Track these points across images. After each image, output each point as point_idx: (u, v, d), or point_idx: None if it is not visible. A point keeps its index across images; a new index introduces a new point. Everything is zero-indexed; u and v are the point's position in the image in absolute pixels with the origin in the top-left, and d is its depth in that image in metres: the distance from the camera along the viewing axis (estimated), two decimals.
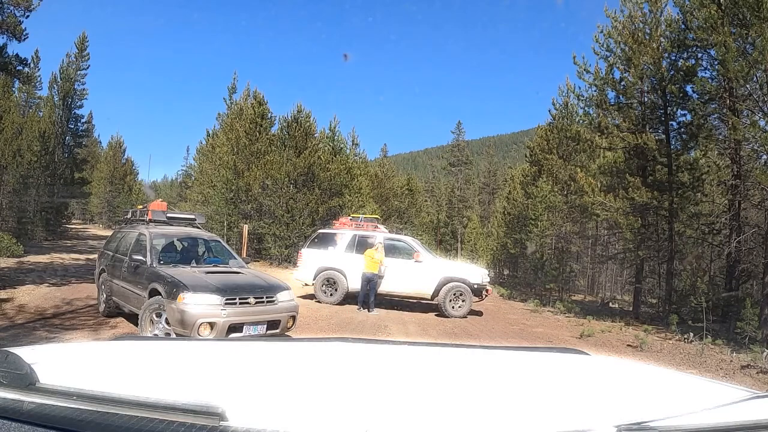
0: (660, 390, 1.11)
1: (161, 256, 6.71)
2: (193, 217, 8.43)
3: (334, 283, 11.06)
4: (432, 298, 10.90)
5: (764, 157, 11.45)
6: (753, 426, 0.76)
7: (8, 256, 14.47)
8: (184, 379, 1.01)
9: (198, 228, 8.14)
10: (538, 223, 19.00)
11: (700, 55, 12.46)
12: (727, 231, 12.55)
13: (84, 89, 31.61)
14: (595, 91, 14.83)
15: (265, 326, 5.94)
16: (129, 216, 8.61)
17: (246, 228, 16.91)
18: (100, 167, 44.69)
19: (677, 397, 1.04)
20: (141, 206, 8.73)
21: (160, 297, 5.83)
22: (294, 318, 6.34)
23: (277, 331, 6.06)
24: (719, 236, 13.33)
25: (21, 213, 22.66)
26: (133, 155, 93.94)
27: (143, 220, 7.79)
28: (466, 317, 10.71)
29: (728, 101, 11.67)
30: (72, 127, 31.45)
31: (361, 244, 11.03)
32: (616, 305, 18.19)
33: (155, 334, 5.70)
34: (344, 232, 11.51)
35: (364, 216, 12.56)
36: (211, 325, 5.54)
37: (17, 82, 20.80)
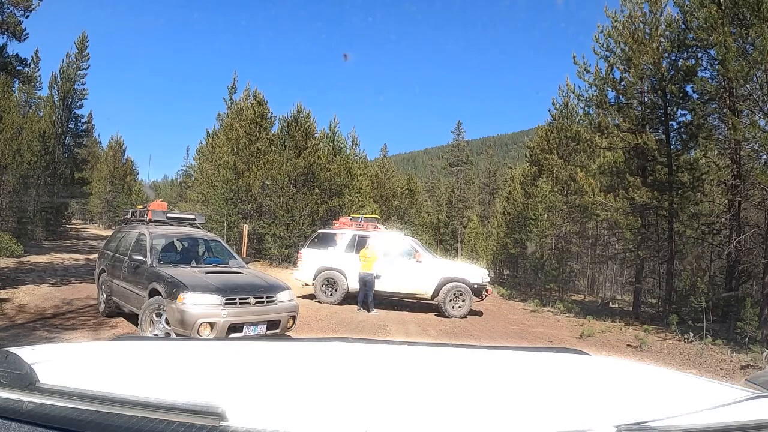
0: (660, 390, 1.11)
1: (161, 256, 6.71)
2: (193, 217, 8.43)
3: (334, 283, 11.06)
4: (432, 298, 10.90)
5: (764, 157, 11.46)
6: (753, 426, 0.76)
7: (8, 256, 14.47)
8: (184, 379, 1.01)
9: (198, 228, 8.13)
10: (538, 223, 19.00)
11: (700, 55, 12.46)
12: (727, 231, 12.55)
13: (84, 89, 31.66)
14: (595, 91, 14.84)
15: (265, 326, 5.94)
16: (129, 216, 8.61)
17: (246, 228, 16.91)
18: (100, 167, 44.68)
19: (677, 397, 1.04)
20: (141, 206, 8.73)
21: (160, 297, 5.83)
22: (294, 318, 6.34)
23: (277, 331, 6.06)
24: (719, 236, 13.33)
25: (21, 213, 22.66)
26: (133, 155, 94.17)
27: (143, 220, 7.79)
28: (466, 317, 10.71)
29: (728, 101, 11.67)
30: (72, 127, 31.46)
31: (361, 245, 11.03)
32: (616, 305, 18.20)
33: (155, 334, 5.70)
34: (344, 232, 11.51)
35: (364, 216, 12.56)
36: (211, 325, 5.54)
37: (17, 82, 20.81)
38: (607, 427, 0.72)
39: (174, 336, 5.50)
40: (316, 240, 11.80)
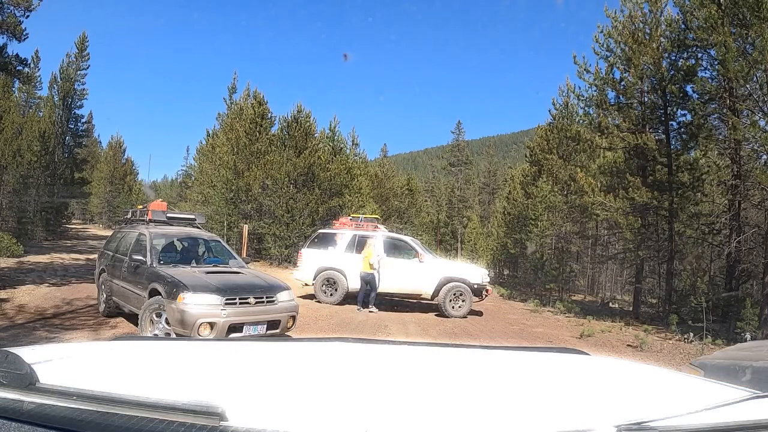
0: (660, 390, 1.11)
1: (161, 256, 6.71)
2: (193, 217, 8.43)
3: (334, 283, 11.06)
4: (432, 298, 10.90)
5: (764, 157, 11.47)
6: (753, 426, 0.76)
7: (8, 256, 14.47)
8: (184, 379, 1.01)
9: (198, 228, 8.14)
10: (538, 223, 19.00)
11: (700, 55, 12.47)
12: (727, 231, 12.56)
13: (84, 89, 31.67)
14: (595, 91, 14.86)
15: (265, 326, 5.94)
16: (129, 216, 8.61)
17: (246, 228, 16.90)
18: (100, 167, 44.67)
19: (677, 397, 1.04)
20: (141, 206, 8.73)
21: (160, 297, 5.83)
22: (294, 318, 6.35)
23: (277, 331, 6.06)
24: (719, 236, 13.33)
25: (21, 213, 22.66)
26: (133, 155, 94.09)
27: (143, 220, 7.79)
28: (466, 317, 10.71)
29: (728, 101, 11.67)
30: (72, 127, 31.46)
31: (361, 244, 11.04)
32: (616, 305, 18.21)
33: (155, 334, 5.70)
34: (344, 232, 11.51)
35: (364, 216, 12.56)
36: (211, 325, 5.54)
37: (17, 82, 20.81)
38: (607, 427, 0.72)
39: (174, 336, 5.50)
40: (316, 240, 11.80)
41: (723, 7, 10.96)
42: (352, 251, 11.06)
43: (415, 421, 0.80)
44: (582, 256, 22.90)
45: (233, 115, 23.43)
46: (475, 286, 10.87)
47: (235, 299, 5.78)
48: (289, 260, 18.72)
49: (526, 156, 26.90)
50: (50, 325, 6.86)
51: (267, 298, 6.05)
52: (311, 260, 11.28)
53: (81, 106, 31.92)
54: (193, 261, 7.01)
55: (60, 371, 0.93)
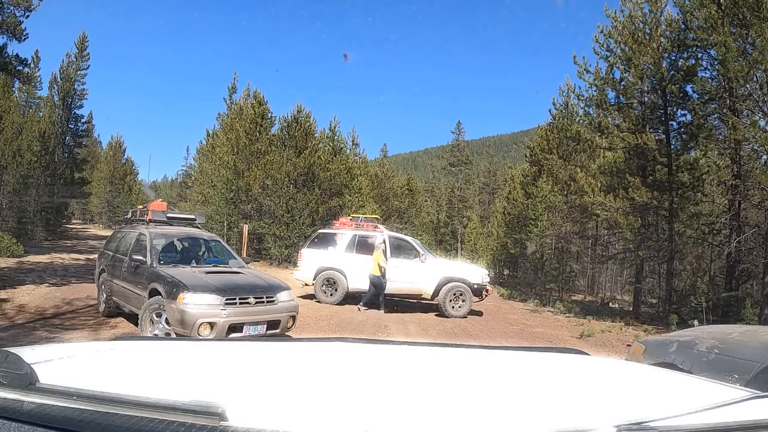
0: (660, 390, 1.11)
1: (161, 256, 6.71)
2: (193, 217, 8.42)
3: (334, 283, 11.06)
4: (432, 298, 10.90)
5: (764, 157, 11.47)
6: (753, 426, 0.76)
7: (8, 256, 14.47)
8: (184, 379, 1.01)
9: (198, 228, 8.13)
10: (538, 223, 19.00)
11: (700, 55, 12.47)
12: (727, 231, 12.55)
13: (84, 89, 31.68)
14: (595, 91, 14.85)
15: (265, 326, 5.94)
16: (129, 216, 8.60)
17: (246, 228, 16.90)
18: (100, 167, 44.67)
19: (677, 397, 1.04)
20: (141, 206, 8.72)
21: (160, 297, 5.82)
22: (294, 318, 6.34)
23: (277, 331, 6.06)
24: (719, 236, 13.33)
25: (21, 213, 22.66)
26: (133, 155, 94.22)
27: (143, 220, 7.79)
28: (466, 317, 10.71)
29: (728, 101, 11.67)
30: (72, 127, 31.46)
31: (361, 244, 11.04)
32: (616, 305, 18.21)
33: (155, 334, 5.70)
34: (344, 232, 11.51)
35: (364, 216, 12.56)
36: (211, 325, 5.54)
37: (17, 82, 20.80)
38: (607, 427, 0.72)
39: (174, 336, 5.50)
40: (316, 240, 11.80)
41: (723, 7, 10.96)
42: (352, 251, 11.06)
43: (415, 421, 0.80)
44: (582, 256, 22.89)
45: (233, 115, 23.42)
46: (475, 286, 10.88)
47: (235, 299, 5.77)
48: (289, 260, 18.72)
49: (526, 156, 26.90)
50: (50, 325, 6.86)
51: (267, 298, 6.05)
52: (311, 260, 11.28)
53: (81, 106, 31.98)
54: (193, 261, 7.01)
55: (60, 371, 0.93)
